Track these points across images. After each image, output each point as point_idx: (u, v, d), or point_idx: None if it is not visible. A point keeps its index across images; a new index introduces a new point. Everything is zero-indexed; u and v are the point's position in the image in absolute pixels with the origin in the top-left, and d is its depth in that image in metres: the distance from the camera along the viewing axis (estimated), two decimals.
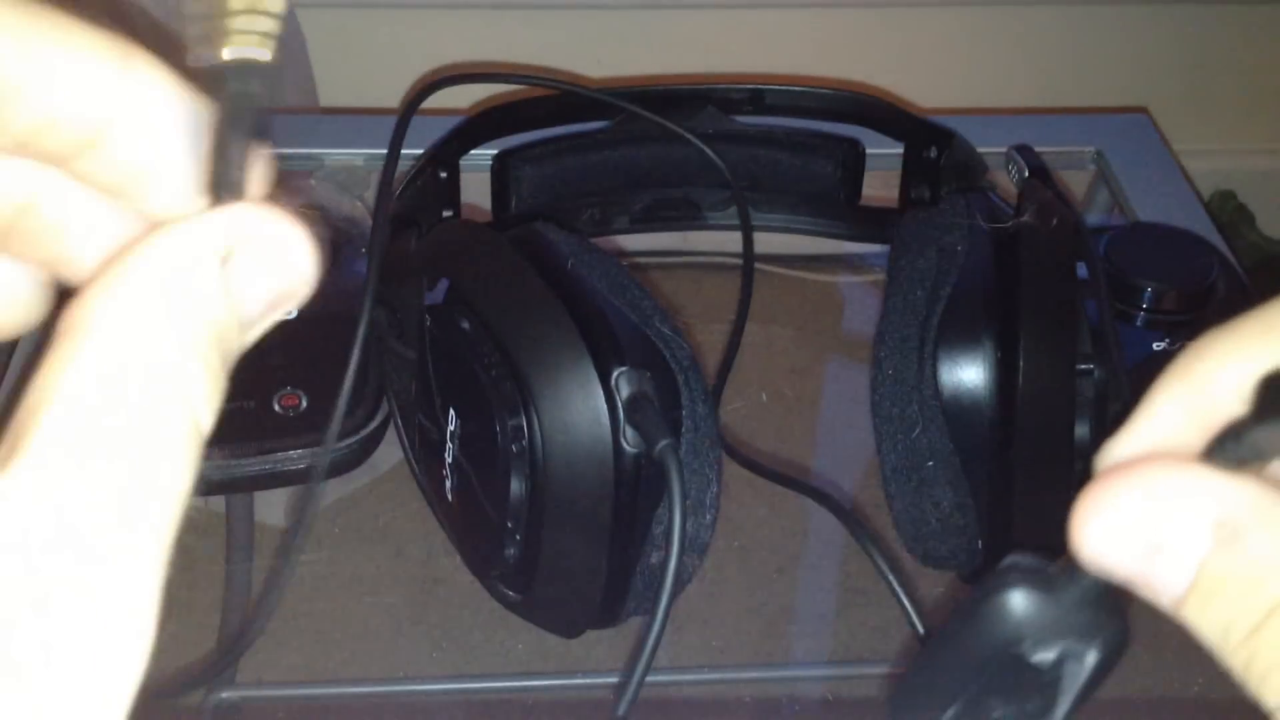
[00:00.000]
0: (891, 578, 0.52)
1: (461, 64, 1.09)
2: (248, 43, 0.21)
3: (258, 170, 0.22)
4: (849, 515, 0.56)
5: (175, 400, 0.19)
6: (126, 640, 0.18)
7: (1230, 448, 0.22)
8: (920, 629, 0.51)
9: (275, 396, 0.57)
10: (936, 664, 0.26)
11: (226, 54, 0.21)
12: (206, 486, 0.56)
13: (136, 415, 0.19)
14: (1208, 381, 0.22)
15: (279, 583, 0.51)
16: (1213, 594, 0.21)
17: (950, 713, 0.26)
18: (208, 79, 0.21)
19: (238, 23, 0.21)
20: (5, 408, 0.58)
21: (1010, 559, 0.25)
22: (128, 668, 0.18)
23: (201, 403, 0.20)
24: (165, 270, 0.20)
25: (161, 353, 0.19)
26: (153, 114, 0.21)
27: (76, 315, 0.19)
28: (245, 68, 0.21)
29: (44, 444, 0.18)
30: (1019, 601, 0.24)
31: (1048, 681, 0.24)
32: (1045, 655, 0.24)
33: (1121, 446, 0.23)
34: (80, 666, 0.18)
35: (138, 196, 0.22)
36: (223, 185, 0.22)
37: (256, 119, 0.21)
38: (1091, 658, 0.24)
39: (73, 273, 0.23)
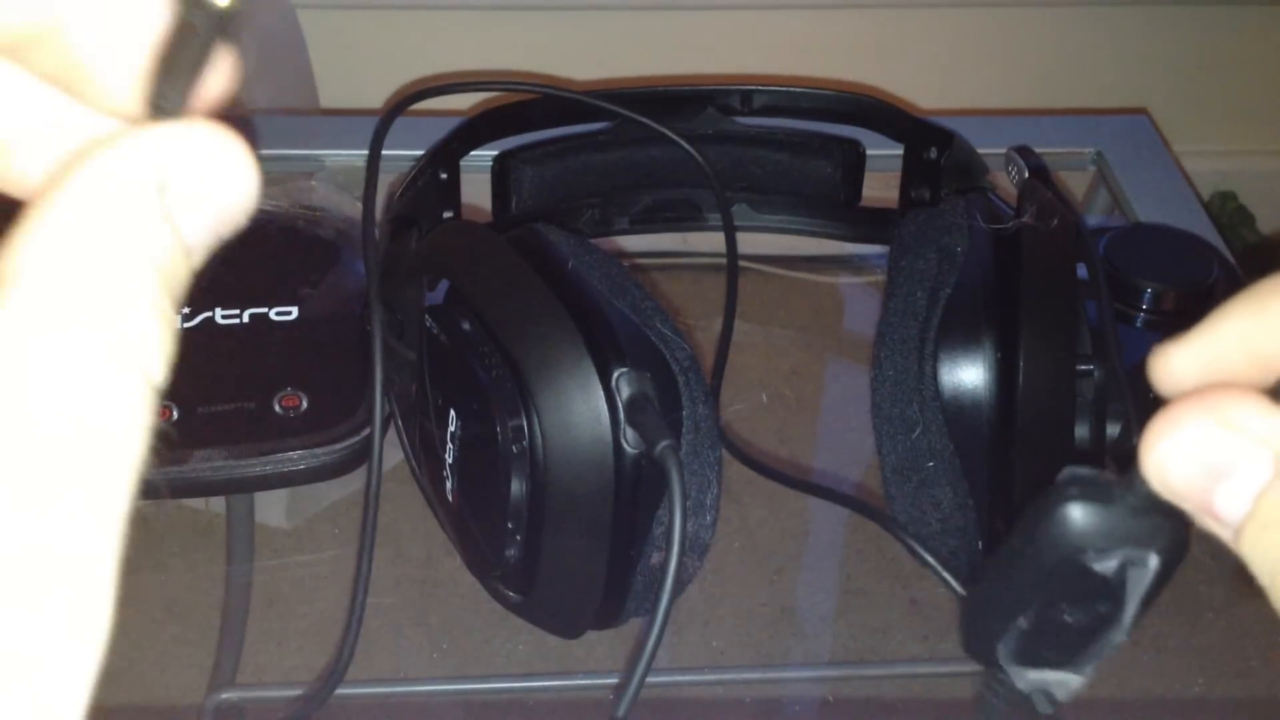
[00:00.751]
0: (935, 564, 0.51)
1: (445, 74, 1.09)
2: None
3: (212, 79, 0.21)
4: (876, 512, 0.56)
5: (125, 354, 0.18)
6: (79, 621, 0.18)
7: None
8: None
9: (275, 397, 0.57)
10: (1003, 577, 0.26)
11: None
12: (207, 488, 0.56)
13: (84, 378, 0.18)
14: (1275, 317, 0.23)
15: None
16: (1269, 525, 0.21)
17: (1022, 620, 0.26)
18: None
19: None
20: None
21: (1069, 470, 0.25)
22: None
23: (154, 354, 0.19)
24: (102, 210, 0.19)
25: (105, 306, 0.18)
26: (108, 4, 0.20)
27: (8, 262, 0.18)
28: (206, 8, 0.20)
29: None
30: (1079, 512, 0.25)
31: (1114, 584, 0.25)
32: (1108, 563, 0.25)
33: (1178, 356, 0.24)
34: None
35: (86, 93, 0.21)
36: (165, 94, 0.20)
37: (216, 24, 0.20)
38: (1153, 562, 0.25)
39: (15, 187, 0.21)
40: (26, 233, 0.18)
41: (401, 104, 0.61)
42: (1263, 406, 0.22)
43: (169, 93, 0.20)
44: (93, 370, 0.18)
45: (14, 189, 0.21)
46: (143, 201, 0.19)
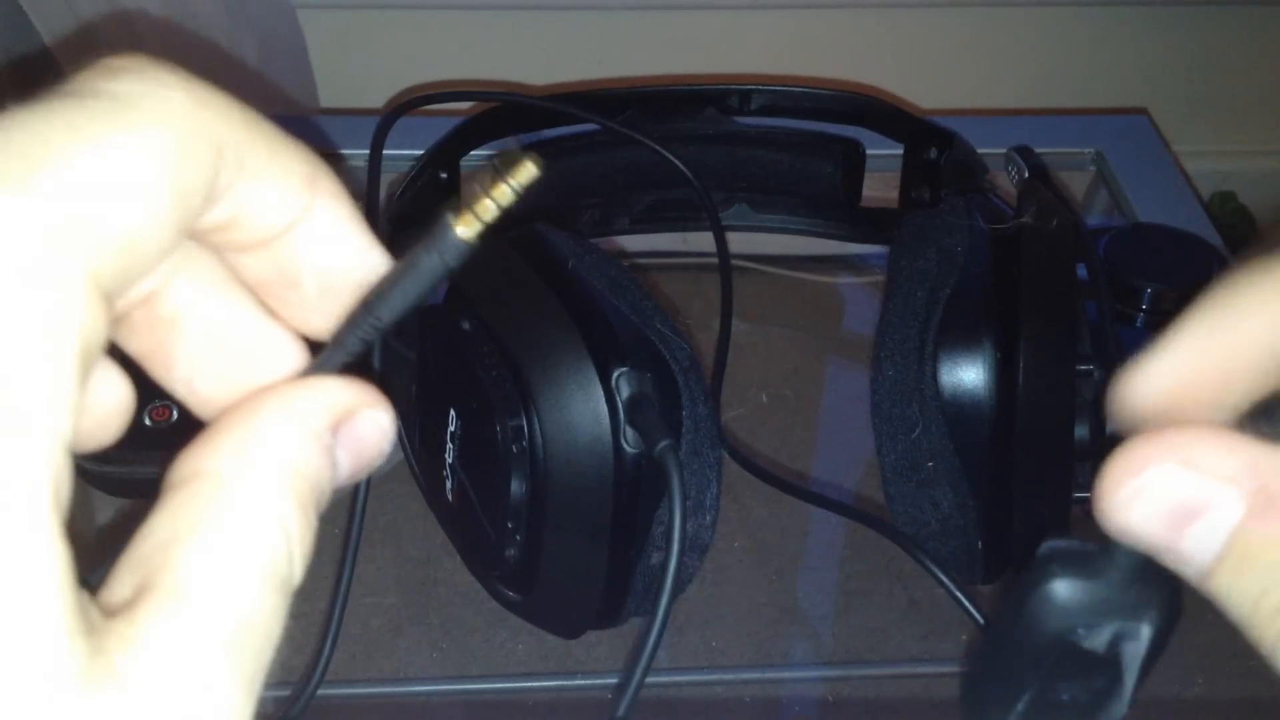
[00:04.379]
0: (950, 584, 0.51)
1: (445, 74, 1.09)
2: (464, 220, 0.22)
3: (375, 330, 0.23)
4: (875, 520, 0.56)
5: (279, 564, 0.20)
6: None
7: (1268, 421, 0.21)
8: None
9: None
10: (997, 661, 0.26)
11: (448, 219, 0.22)
12: None
13: (245, 581, 0.19)
14: (1238, 328, 0.22)
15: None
16: (1245, 561, 0.20)
17: (1021, 705, 0.25)
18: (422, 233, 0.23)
19: (473, 202, 0.22)
20: None
21: (1047, 544, 0.24)
22: None
23: (299, 561, 0.20)
24: (286, 438, 0.21)
25: (274, 521, 0.20)
26: (327, 229, 0.22)
27: (198, 466, 0.20)
28: (446, 236, 0.22)
29: (176, 605, 0.19)
30: (1063, 590, 0.24)
31: (1109, 659, 0.24)
32: (1100, 639, 0.24)
33: (1143, 379, 0.23)
34: None
35: (282, 300, 0.23)
36: (356, 332, 0.23)
37: (425, 278, 0.23)
38: (1146, 632, 0.24)
39: (169, 378, 0.23)
40: (223, 444, 0.21)
41: (391, 117, 0.61)
42: (1227, 443, 0.21)
43: (362, 326, 0.23)
44: (260, 575, 0.20)
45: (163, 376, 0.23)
46: (320, 445, 0.21)
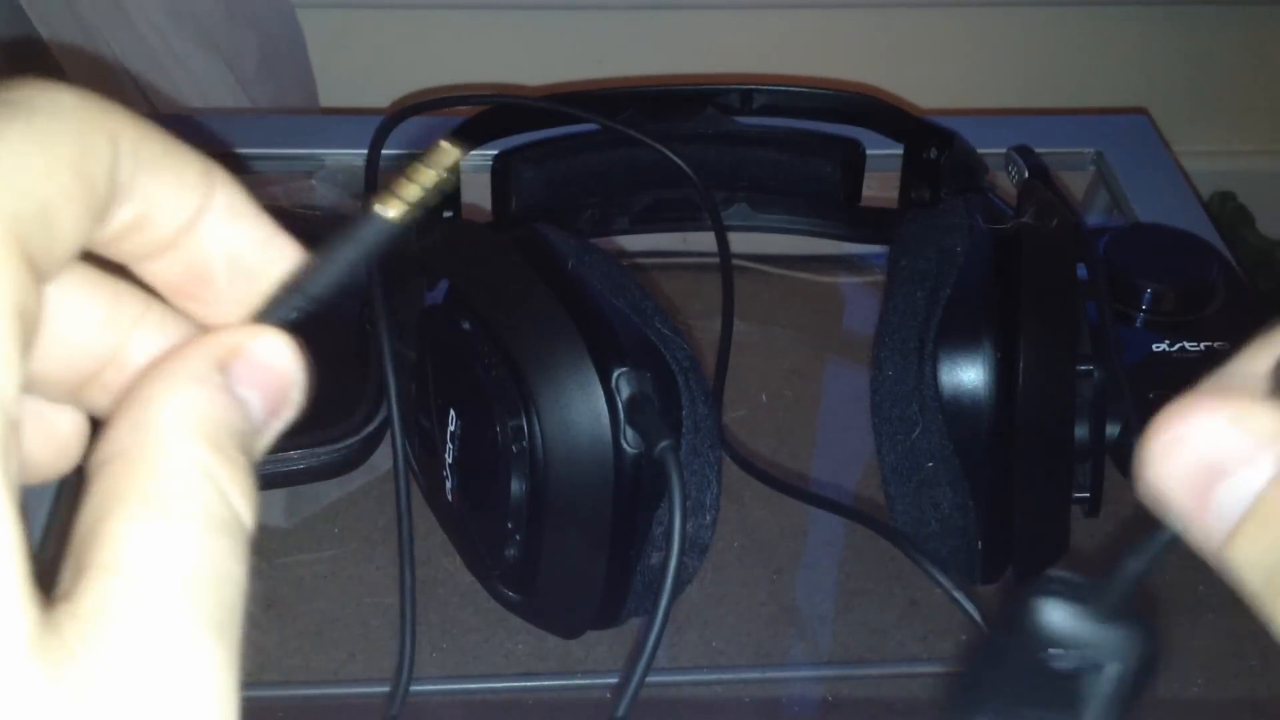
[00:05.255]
0: (955, 591, 0.51)
1: (444, 74, 1.09)
2: (388, 202, 0.23)
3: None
4: (875, 522, 0.56)
5: (211, 507, 0.20)
6: None
7: None
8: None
9: None
10: (975, 671, 0.26)
11: (365, 204, 0.23)
12: None
13: (178, 532, 0.19)
14: None
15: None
16: (1265, 527, 0.21)
17: (983, 717, 0.26)
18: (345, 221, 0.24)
19: (396, 187, 0.24)
20: None
21: (1053, 572, 0.25)
22: None
23: (238, 499, 0.21)
24: (173, 391, 0.21)
25: (190, 469, 0.20)
26: (229, 215, 0.23)
27: (104, 453, 0.20)
28: (374, 220, 0.23)
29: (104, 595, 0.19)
30: (1052, 609, 0.25)
31: (1070, 690, 0.25)
32: (1068, 664, 0.24)
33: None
34: None
35: (198, 298, 0.23)
36: (279, 310, 0.24)
37: (348, 256, 0.23)
38: (1111, 672, 0.24)
39: (103, 398, 0.24)
40: (125, 425, 0.21)
41: (387, 125, 0.61)
42: (1264, 405, 0.21)
43: (276, 309, 0.24)
44: (199, 527, 0.20)
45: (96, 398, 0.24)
46: (214, 381, 0.22)
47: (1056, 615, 0.24)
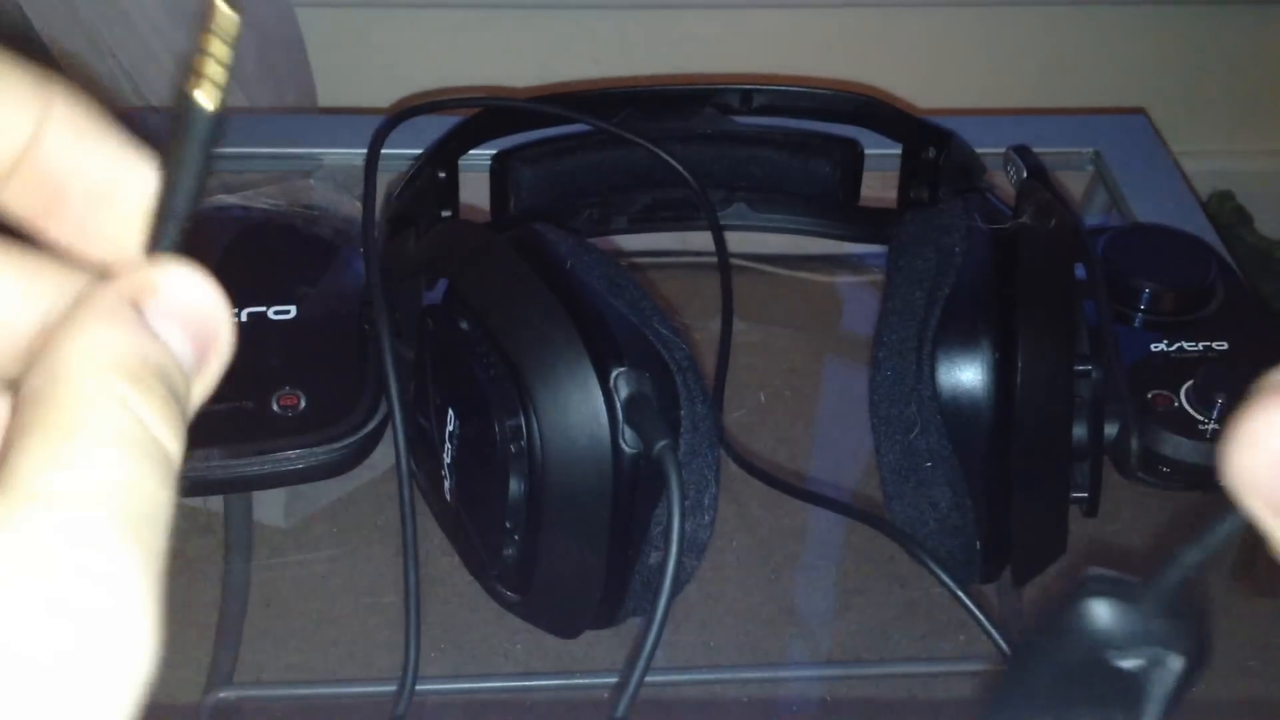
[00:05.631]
0: (963, 596, 0.51)
1: (444, 73, 1.09)
2: (201, 88, 0.22)
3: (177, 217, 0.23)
4: (877, 520, 0.56)
5: (129, 432, 0.19)
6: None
7: None
8: (1005, 649, 0.50)
9: (274, 396, 0.56)
10: (1023, 676, 0.26)
11: (178, 97, 0.22)
12: (205, 486, 0.56)
13: (97, 457, 0.19)
14: None
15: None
16: None
17: None
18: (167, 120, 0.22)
19: (198, 65, 0.22)
20: None
21: (1091, 569, 0.25)
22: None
23: (161, 427, 0.20)
24: (84, 328, 0.20)
25: (102, 397, 0.20)
26: (73, 126, 0.22)
27: (18, 399, 0.20)
28: (200, 114, 0.22)
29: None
30: (1104, 608, 0.24)
31: (1133, 690, 0.25)
32: (1131, 662, 0.24)
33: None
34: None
35: (60, 223, 0.22)
36: (157, 239, 0.22)
37: (196, 164, 0.22)
38: (1176, 664, 0.24)
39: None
40: (44, 366, 0.20)
41: (386, 127, 0.62)
42: None
43: (161, 238, 0.22)
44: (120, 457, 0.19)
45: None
46: (128, 317, 0.21)
47: (1113, 614, 0.24)
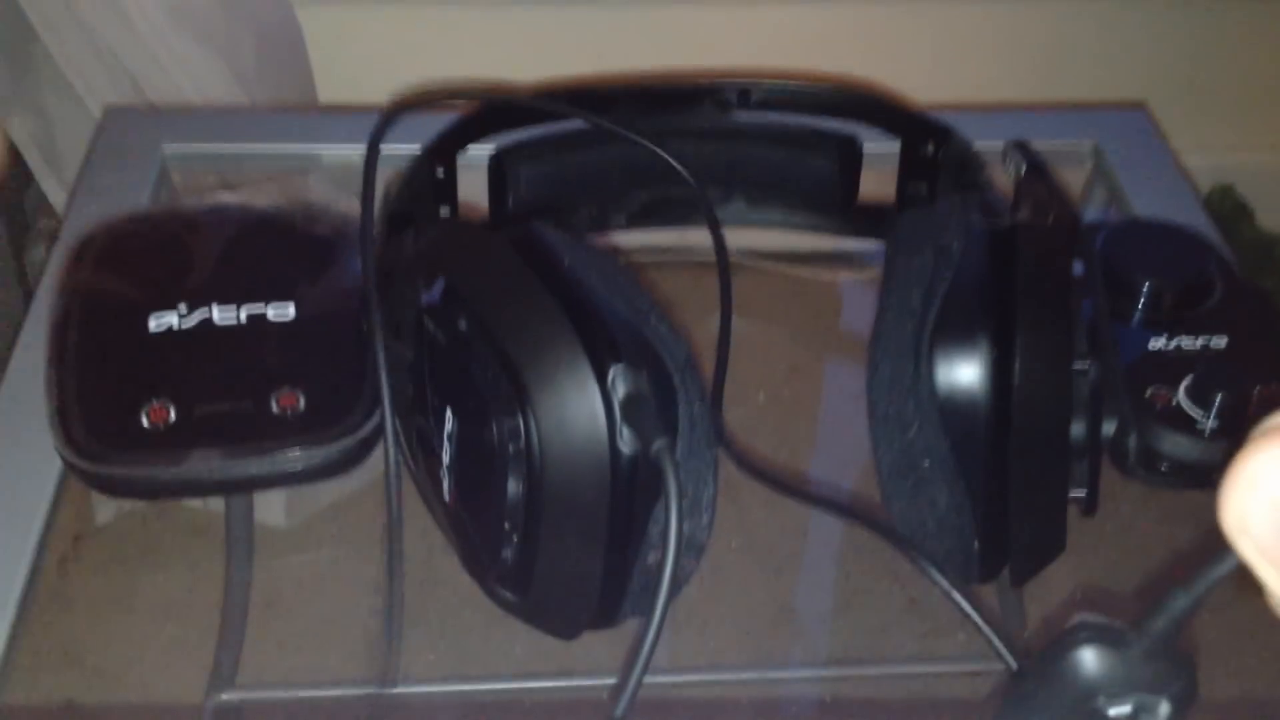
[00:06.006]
0: (961, 600, 0.51)
1: (443, 70, 1.09)
2: None
3: None
4: (875, 523, 0.56)
5: None
6: None
7: None
8: (1003, 652, 0.50)
9: (273, 396, 0.56)
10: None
11: None
12: (205, 487, 0.56)
13: None
14: None
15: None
16: None
17: None
18: None
19: None
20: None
21: (1080, 616, 0.26)
22: None
23: None
24: None
25: None
26: None
27: None
28: None
29: None
30: (1092, 656, 0.25)
31: None
32: (1120, 709, 0.25)
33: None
34: None
35: None
36: None
37: None
38: (1164, 709, 0.25)
39: None
40: None
41: (384, 123, 0.61)
42: None
43: None
44: None
45: None
46: None
47: (1102, 661, 0.25)
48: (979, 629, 0.51)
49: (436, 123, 0.65)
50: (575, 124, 0.67)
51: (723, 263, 0.65)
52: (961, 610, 0.51)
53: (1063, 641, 0.25)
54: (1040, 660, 0.26)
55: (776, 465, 0.64)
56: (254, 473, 0.55)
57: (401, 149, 0.64)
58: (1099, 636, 0.25)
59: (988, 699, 0.54)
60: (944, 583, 0.51)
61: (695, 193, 0.65)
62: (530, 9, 1.12)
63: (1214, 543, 0.23)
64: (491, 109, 0.66)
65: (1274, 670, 0.56)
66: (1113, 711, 0.25)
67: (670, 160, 0.64)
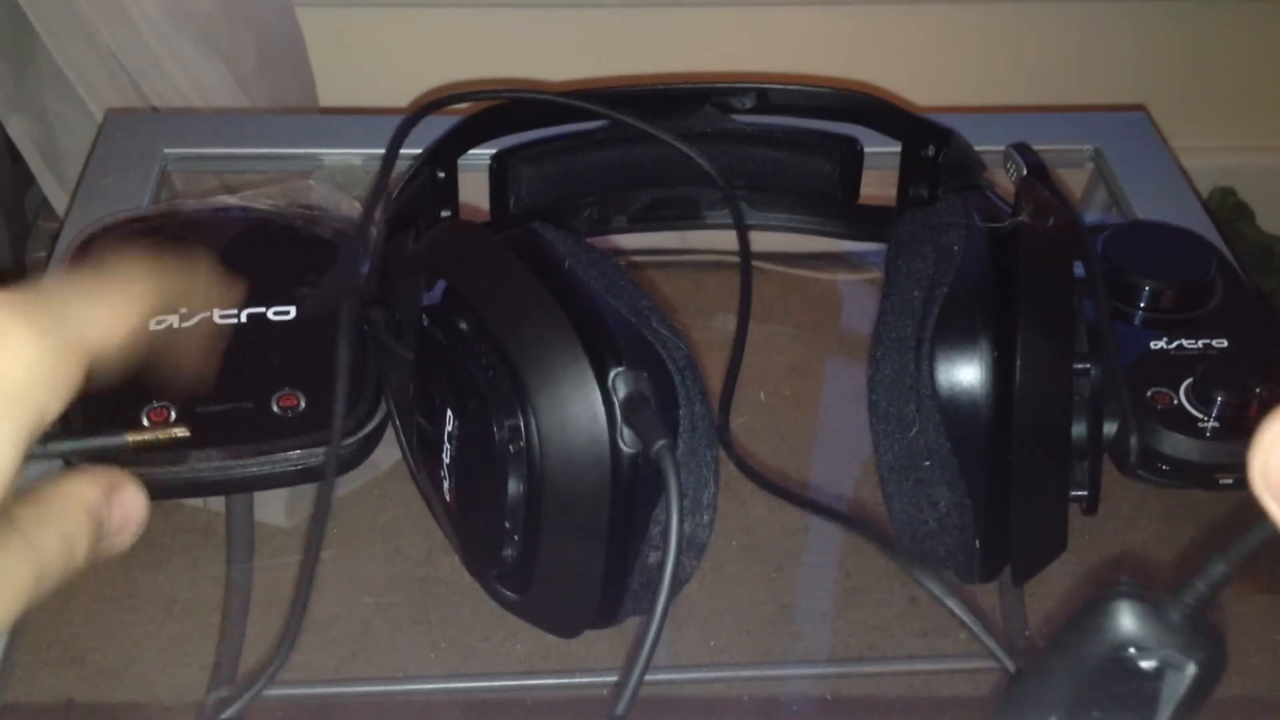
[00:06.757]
0: (966, 617, 0.51)
1: (443, 71, 1.09)
2: None
3: None
4: (873, 531, 0.56)
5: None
6: None
7: None
8: (1011, 667, 0.50)
9: (274, 397, 0.57)
10: (1045, 667, 0.28)
11: None
12: (206, 487, 0.56)
13: None
14: None
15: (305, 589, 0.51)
16: None
17: (1054, 717, 0.27)
18: None
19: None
20: None
21: (1122, 581, 0.27)
22: None
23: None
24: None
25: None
26: None
27: None
28: None
29: None
30: (1127, 610, 0.26)
31: (1147, 693, 0.26)
32: (1148, 662, 0.26)
33: None
34: None
35: None
36: None
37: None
38: (1190, 670, 0.26)
39: None
40: None
41: (408, 123, 0.62)
42: None
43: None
44: None
45: None
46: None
47: (1138, 615, 0.26)
48: (976, 637, 0.51)
49: (436, 125, 0.65)
50: (575, 126, 0.67)
51: (745, 262, 0.65)
52: (957, 617, 0.51)
53: (1104, 595, 0.27)
54: (1076, 614, 0.27)
55: (777, 466, 0.64)
56: (254, 473, 0.55)
57: (403, 152, 0.64)
58: (1139, 594, 0.26)
59: (988, 699, 0.54)
60: (937, 591, 0.51)
61: (724, 192, 0.65)
62: (530, 12, 1.13)
63: (1213, 542, 0.23)
64: (490, 112, 0.66)
65: (1274, 670, 0.56)
66: (1139, 663, 0.26)
67: (701, 160, 0.64)
